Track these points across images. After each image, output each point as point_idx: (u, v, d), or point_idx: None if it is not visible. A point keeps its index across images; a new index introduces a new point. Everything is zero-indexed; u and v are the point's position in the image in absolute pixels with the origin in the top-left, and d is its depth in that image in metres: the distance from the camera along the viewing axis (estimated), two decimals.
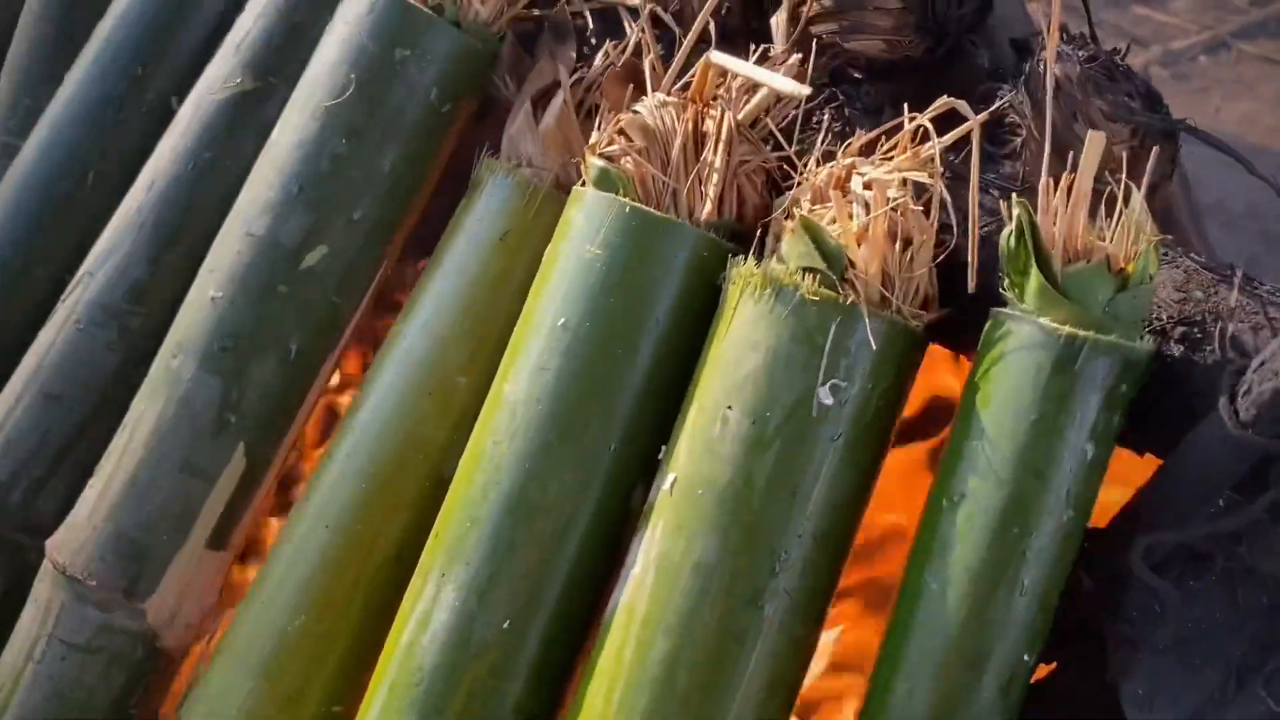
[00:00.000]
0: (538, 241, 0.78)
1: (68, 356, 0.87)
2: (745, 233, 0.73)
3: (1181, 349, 0.63)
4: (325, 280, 0.81)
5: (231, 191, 0.86)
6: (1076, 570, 0.65)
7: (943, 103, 0.64)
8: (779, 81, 0.66)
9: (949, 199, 0.65)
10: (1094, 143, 0.58)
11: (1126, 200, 0.61)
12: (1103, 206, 0.62)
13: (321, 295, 0.81)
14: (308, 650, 0.77)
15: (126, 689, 0.82)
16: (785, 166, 0.74)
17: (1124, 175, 0.61)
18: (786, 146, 0.73)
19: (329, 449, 0.81)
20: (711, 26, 0.73)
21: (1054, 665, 0.74)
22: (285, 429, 0.83)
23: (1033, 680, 0.70)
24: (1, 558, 0.87)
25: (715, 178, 0.68)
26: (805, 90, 0.65)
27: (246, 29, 0.88)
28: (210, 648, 0.81)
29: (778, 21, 0.78)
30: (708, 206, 0.68)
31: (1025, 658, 0.61)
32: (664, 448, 0.69)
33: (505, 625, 0.68)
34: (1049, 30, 0.60)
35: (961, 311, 0.67)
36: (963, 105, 0.63)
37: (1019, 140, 0.71)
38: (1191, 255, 0.67)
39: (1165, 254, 0.66)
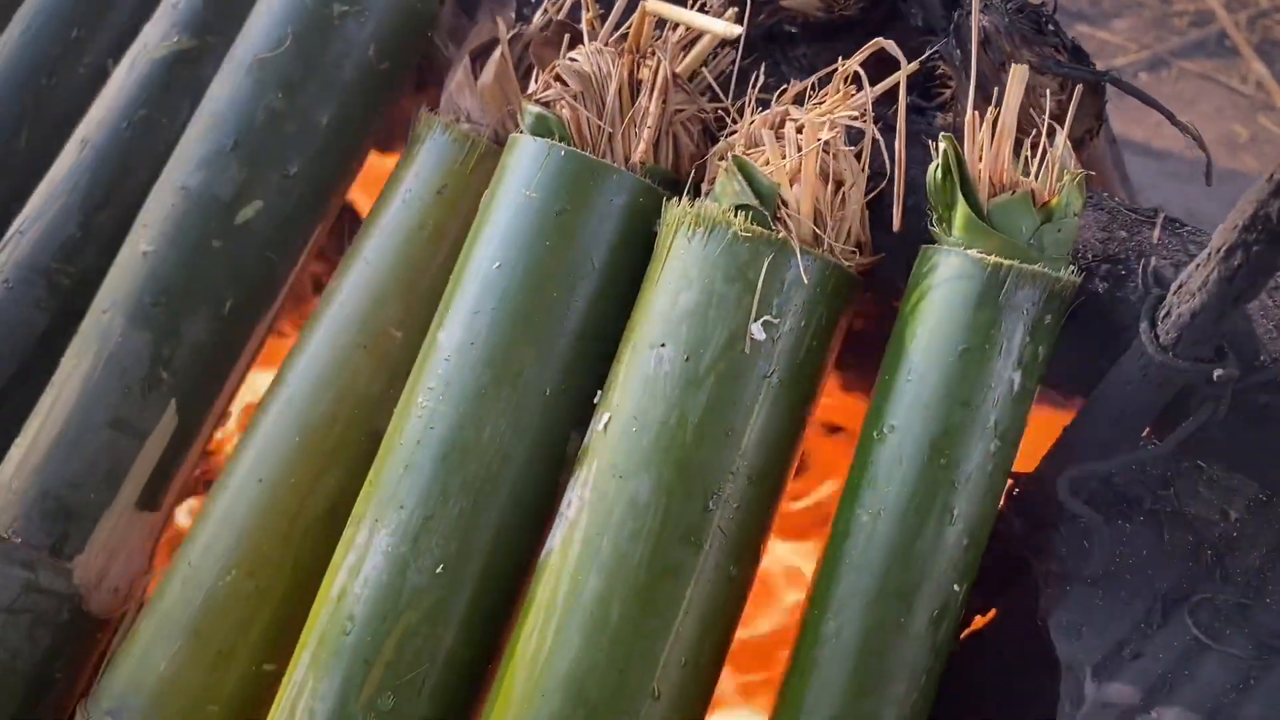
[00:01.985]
0: (475, 196, 0.78)
1: None
2: (681, 181, 0.73)
3: (1106, 285, 0.64)
4: (260, 236, 0.80)
5: (166, 150, 0.85)
6: (1007, 512, 0.66)
7: (873, 44, 0.65)
8: (711, 23, 0.67)
9: (881, 141, 0.66)
10: (1017, 76, 0.59)
11: (1051, 140, 0.62)
12: (1026, 148, 0.63)
13: (256, 251, 0.81)
14: (238, 608, 0.76)
15: (52, 652, 0.79)
16: (723, 118, 0.74)
17: (1047, 118, 0.62)
18: (723, 97, 0.74)
19: (261, 403, 0.80)
20: None
21: (993, 612, 0.75)
22: (218, 388, 0.82)
23: (972, 627, 0.71)
24: None
25: (650, 122, 0.69)
26: (737, 30, 0.66)
27: None
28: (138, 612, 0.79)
29: None
30: (641, 147, 0.68)
31: (955, 588, 0.61)
32: (599, 393, 0.68)
33: (438, 570, 0.67)
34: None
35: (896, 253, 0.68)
36: (891, 45, 0.64)
37: (949, 92, 0.72)
38: (1115, 199, 0.68)
39: (1091, 196, 0.67)
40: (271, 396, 0.79)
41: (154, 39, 0.88)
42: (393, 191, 0.80)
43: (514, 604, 0.70)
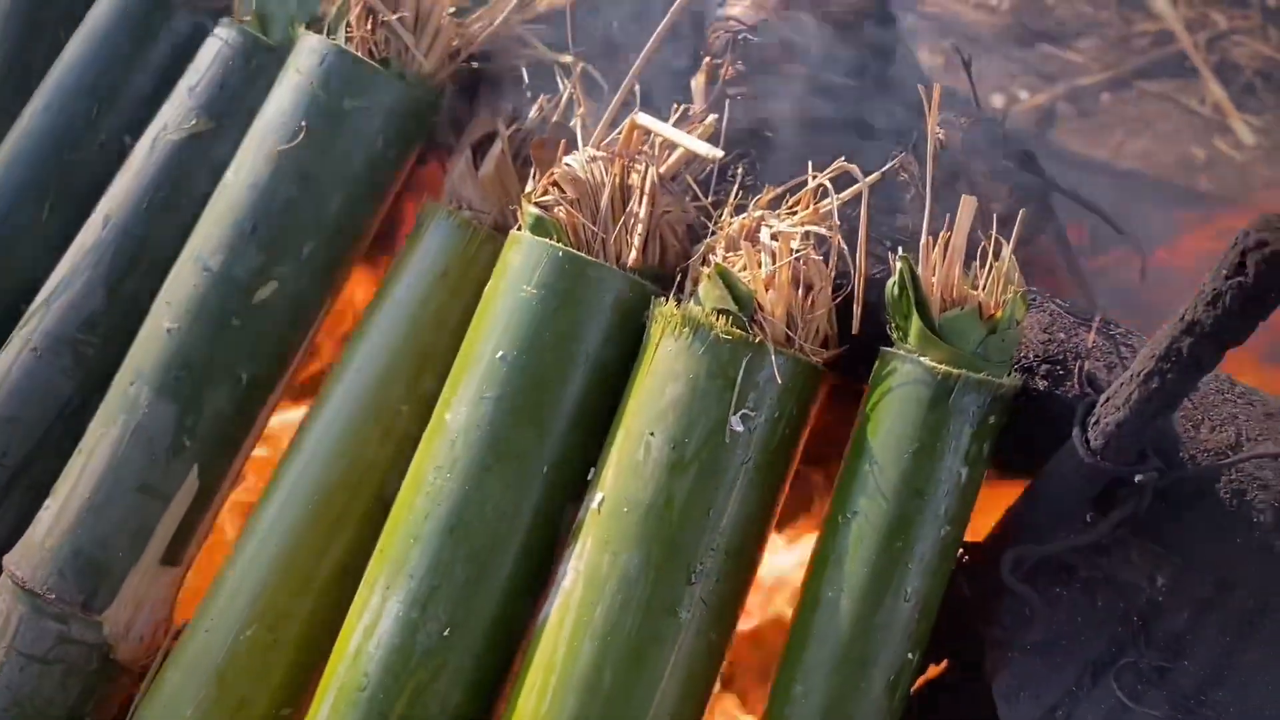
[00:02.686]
0: (476, 279, 0.85)
1: (23, 382, 0.92)
2: (666, 276, 0.81)
3: (1046, 384, 0.72)
4: (275, 314, 0.87)
5: (184, 227, 0.91)
6: (957, 579, 0.74)
7: (837, 165, 0.72)
8: (697, 145, 0.74)
9: (846, 249, 0.74)
10: (966, 206, 0.67)
11: (998, 254, 0.70)
12: (977, 259, 0.70)
13: (272, 328, 0.87)
14: (258, 659, 0.83)
15: (82, 698, 0.86)
16: (702, 216, 0.82)
17: (994, 230, 0.70)
18: (703, 198, 0.81)
19: (277, 469, 0.86)
20: (636, 87, 0.81)
21: (944, 665, 0.83)
22: (236, 452, 0.89)
23: (925, 679, 0.79)
24: None
25: (640, 228, 0.76)
26: (719, 154, 0.73)
27: (200, 73, 0.94)
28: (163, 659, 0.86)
29: (696, 83, 0.86)
30: (633, 254, 0.75)
31: (910, 656, 0.69)
32: (593, 470, 0.76)
33: (445, 634, 0.74)
34: (930, 108, 0.68)
35: (857, 348, 0.76)
36: (854, 169, 0.71)
37: (908, 196, 0.80)
38: (1057, 300, 0.76)
39: (1034, 299, 0.75)
40: (287, 464, 0.86)
41: (173, 121, 0.94)
42: (399, 274, 0.87)
43: (514, 664, 0.77)
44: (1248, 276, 0.52)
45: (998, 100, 2.92)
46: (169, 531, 0.87)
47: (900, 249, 0.77)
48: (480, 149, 0.89)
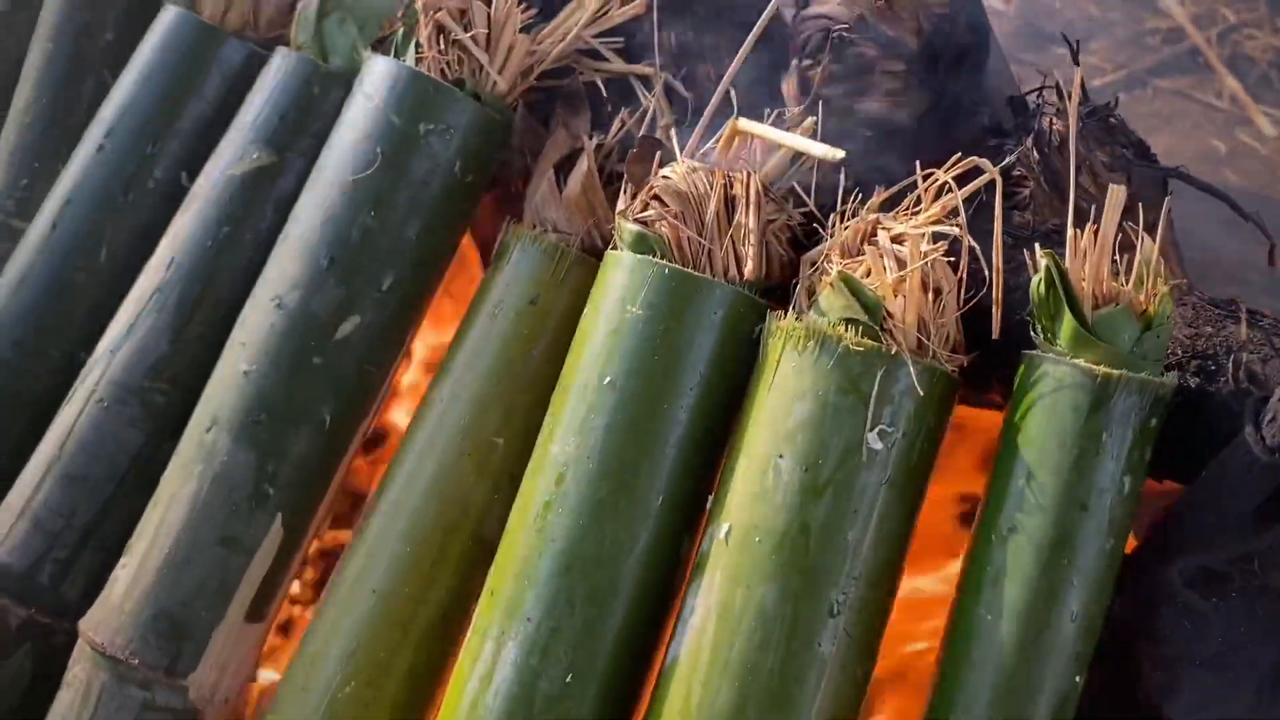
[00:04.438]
0: (566, 304, 0.81)
1: (90, 436, 0.87)
2: (775, 287, 0.76)
3: (1198, 381, 0.68)
4: (358, 349, 0.83)
5: (250, 264, 0.87)
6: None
7: (965, 162, 0.68)
8: (813, 146, 0.70)
9: (977, 246, 0.69)
10: (1115, 197, 0.63)
11: (1144, 241, 0.65)
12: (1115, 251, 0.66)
13: (354, 364, 0.83)
14: (358, 715, 0.78)
15: None
16: (806, 222, 0.78)
17: (1139, 223, 0.65)
18: (809, 202, 0.77)
19: (367, 513, 0.82)
20: (733, 93, 0.77)
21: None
22: (320, 497, 0.84)
23: None
24: (31, 642, 0.86)
25: (751, 238, 0.72)
26: (840, 154, 0.69)
27: (259, 106, 0.90)
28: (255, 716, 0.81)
29: (788, 86, 0.82)
30: (749, 266, 0.71)
31: (1076, 680, 0.64)
32: (711, 497, 0.71)
33: (568, 679, 0.70)
34: (1067, 96, 0.64)
35: (987, 353, 0.71)
36: (984, 163, 0.67)
37: (1026, 191, 0.76)
38: (1198, 291, 0.71)
39: (1177, 291, 0.71)
40: (377, 506, 0.81)
41: (232, 156, 0.90)
42: (484, 301, 0.83)
43: (637, 707, 0.72)
44: None
45: None
46: (253, 586, 0.82)
47: (1025, 246, 0.73)
48: (561, 169, 0.85)
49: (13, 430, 0.93)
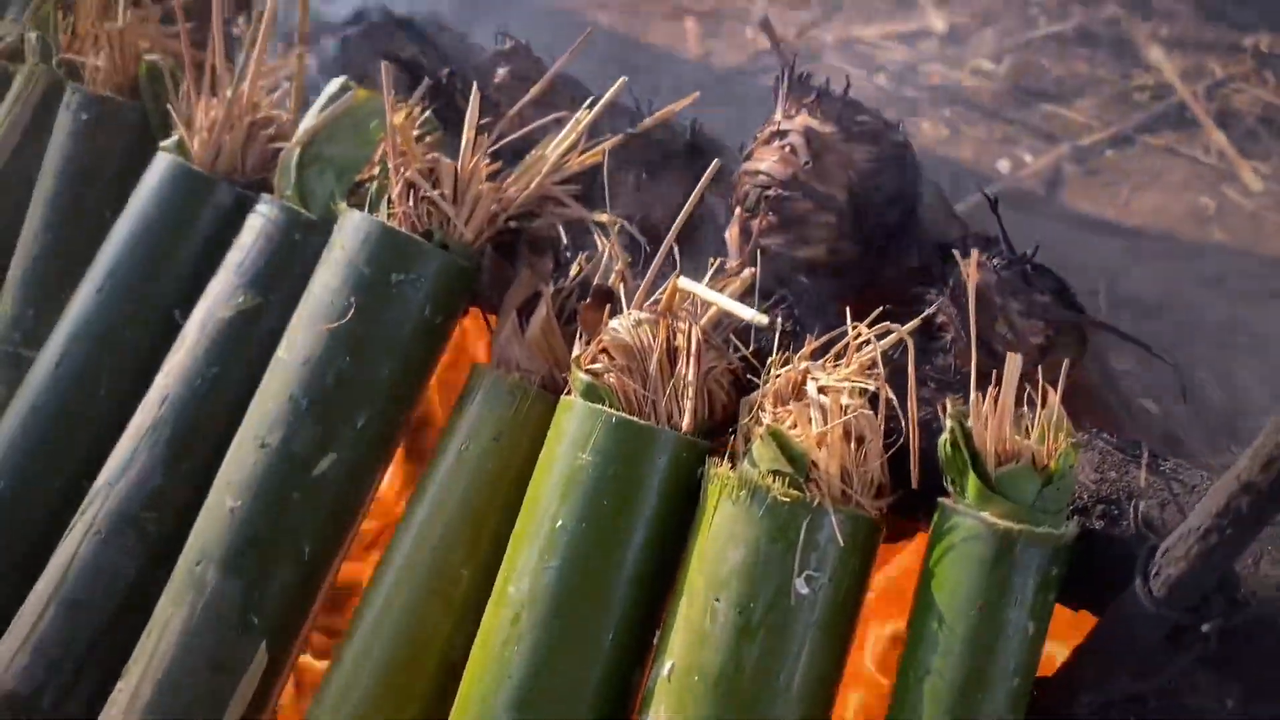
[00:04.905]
0: (528, 440, 0.87)
1: (89, 564, 0.93)
2: (716, 428, 0.82)
3: (1102, 524, 0.73)
4: (334, 485, 0.89)
5: (237, 400, 0.94)
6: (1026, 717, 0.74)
7: (881, 326, 0.74)
8: (742, 310, 0.76)
9: (895, 398, 0.75)
10: (1012, 364, 0.68)
11: (1045, 401, 0.71)
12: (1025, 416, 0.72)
13: (332, 499, 0.89)
14: None
15: None
16: (746, 365, 0.84)
17: (1041, 379, 0.71)
18: (744, 349, 0.83)
19: (340, 648, 0.88)
20: (676, 249, 0.83)
21: None
22: (302, 622, 0.90)
23: None
24: None
25: (690, 391, 0.78)
26: (764, 319, 0.75)
27: (245, 250, 0.97)
28: None
29: (730, 236, 0.89)
30: (686, 419, 0.77)
31: None
32: (658, 632, 0.77)
33: None
34: (969, 262, 0.70)
35: (912, 492, 0.77)
36: (898, 328, 0.73)
37: (948, 337, 0.82)
38: (1104, 436, 0.77)
39: (1083, 437, 0.76)
40: (351, 635, 0.87)
41: (221, 298, 0.96)
42: (452, 439, 0.89)
43: None
44: None
45: (1003, 165, 2.96)
46: (241, 707, 0.88)
47: (943, 389, 0.79)
48: (525, 310, 0.91)
49: (18, 552, 1.00)
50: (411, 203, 0.90)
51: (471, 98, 0.91)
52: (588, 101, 0.94)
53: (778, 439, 0.74)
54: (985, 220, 0.90)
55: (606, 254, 0.90)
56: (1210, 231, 2.94)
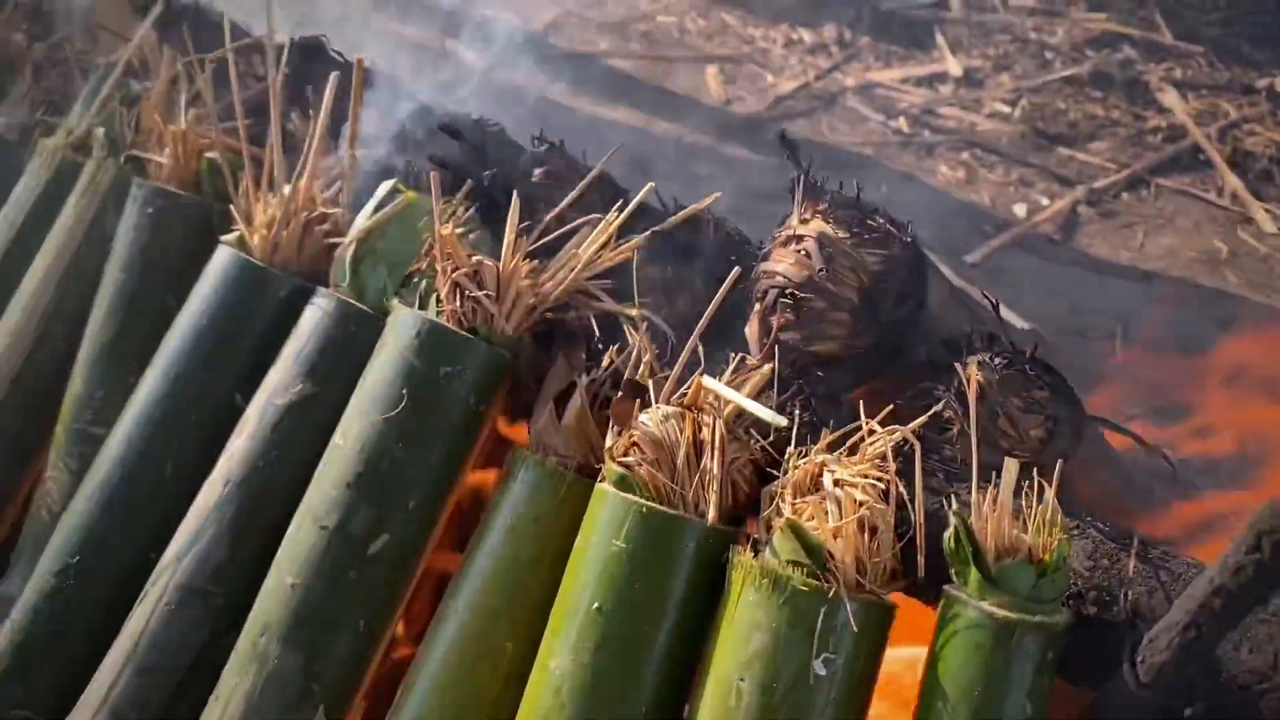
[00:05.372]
0: (565, 521, 0.94)
1: (160, 634, 1.01)
2: (739, 515, 0.89)
3: (1095, 609, 0.80)
4: (387, 563, 0.96)
5: (294, 482, 1.01)
6: None
7: (891, 428, 0.81)
8: (763, 412, 0.83)
9: (905, 494, 0.82)
10: (1009, 468, 0.75)
11: (1040, 497, 0.78)
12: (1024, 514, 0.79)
13: (385, 576, 0.97)
14: None
15: None
16: (768, 454, 0.91)
17: (1036, 477, 0.78)
18: (762, 440, 0.90)
19: (394, 708, 0.95)
20: (700, 349, 0.91)
21: None
22: (357, 690, 0.98)
23: None
24: None
25: (715, 484, 0.85)
26: (783, 421, 0.82)
27: (303, 340, 1.05)
28: None
29: (750, 331, 0.96)
30: (712, 511, 0.84)
31: None
32: (686, 708, 0.84)
33: None
34: (970, 382, 0.77)
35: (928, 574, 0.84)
36: (903, 429, 0.80)
37: (955, 430, 0.88)
38: (1097, 525, 0.83)
39: (1077, 527, 0.83)
40: (402, 703, 0.94)
41: (280, 385, 1.04)
42: (494, 519, 0.96)
43: None
44: (1263, 554, 0.60)
45: (1019, 209, 3.02)
46: None
47: (950, 479, 0.86)
48: (561, 398, 0.99)
49: (91, 620, 1.08)
50: (458, 301, 0.98)
51: (512, 204, 0.99)
52: (617, 205, 1.01)
53: (797, 532, 0.81)
54: (997, 276, 0.97)
55: (636, 346, 0.98)
56: (1224, 274, 2.97)
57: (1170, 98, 3.45)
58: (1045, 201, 3.04)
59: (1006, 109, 3.37)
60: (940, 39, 3.64)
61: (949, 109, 3.32)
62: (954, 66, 3.48)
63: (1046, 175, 3.16)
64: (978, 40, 3.67)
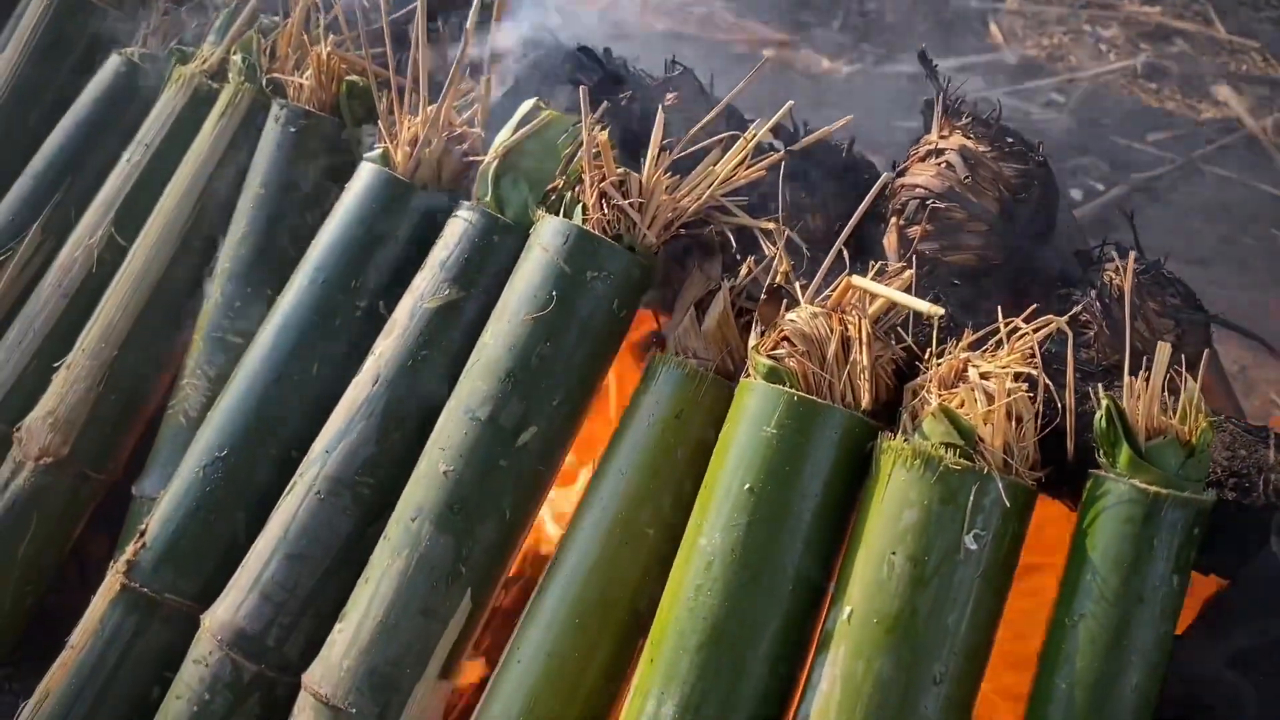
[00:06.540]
0: (704, 417, 0.98)
1: (309, 523, 1.06)
2: (881, 411, 0.93)
3: (1234, 495, 0.83)
4: (534, 454, 1.01)
5: (439, 381, 1.06)
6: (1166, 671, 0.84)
7: (1040, 320, 0.85)
8: (916, 302, 0.87)
9: (1052, 385, 0.86)
10: (1161, 353, 0.79)
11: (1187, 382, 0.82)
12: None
13: (531, 466, 1.01)
14: None
15: None
16: (906, 355, 0.95)
17: (1184, 370, 0.82)
18: (906, 338, 0.94)
19: (540, 588, 0.99)
20: (845, 253, 0.95)
21: None
22: (501, 575, 1.02)
23: None
24: (259, 692, 1.05)
25: (865, 374, 0.89)
26: (940, 311, 0.86)
27: (450, 249, 1.10)
28: None
29: (888, 242, 1.00)
30: (865, 399, 0.88)
31: None
32: (832, 583, 0.88)
33: None
34: (1120, 266, 0.81)
35: (1059, 469, 0.88)
36: (1055, 318, 0.84)
37: (1092, 333, 0.92)
38: (1233, 420, 0.87)
39: (1216, 421, 0.87)
40: (549, 583, 0.99)
41: (428, 290, 1.09)
42: (636, 414, 1.01)
43: None
44: None
45: (1075, 193, 3.05)
46: (446, 649, 1.00)
47: (1086, 379, 0.90)
48: (700, 305, 1.03)
49: (240, 508, 1.12)
50: (603, 210, 1.02)
51: (657, 120, 1.04)
52: (755, 123, 1.06)
53: (949, 416, 0.85)
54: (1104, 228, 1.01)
55: (774, 256, 1.02)
56: None
57: (1225, 91, 3.48)
58: (1100, 188, 3.08)
59: (1061, 98, 3.40)
60: (994, 28, 3.67)
61: (1004, 97, 3.35)
62: (1009, 56, 3.52)
63: (1101, 164, 3.19)
64: (1032, 31, 3.70)
